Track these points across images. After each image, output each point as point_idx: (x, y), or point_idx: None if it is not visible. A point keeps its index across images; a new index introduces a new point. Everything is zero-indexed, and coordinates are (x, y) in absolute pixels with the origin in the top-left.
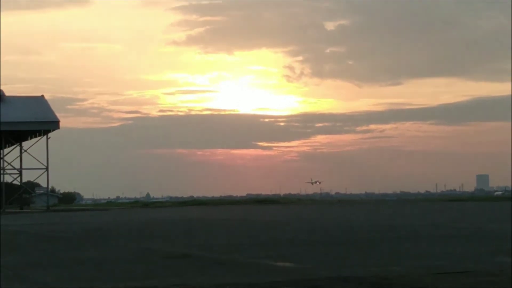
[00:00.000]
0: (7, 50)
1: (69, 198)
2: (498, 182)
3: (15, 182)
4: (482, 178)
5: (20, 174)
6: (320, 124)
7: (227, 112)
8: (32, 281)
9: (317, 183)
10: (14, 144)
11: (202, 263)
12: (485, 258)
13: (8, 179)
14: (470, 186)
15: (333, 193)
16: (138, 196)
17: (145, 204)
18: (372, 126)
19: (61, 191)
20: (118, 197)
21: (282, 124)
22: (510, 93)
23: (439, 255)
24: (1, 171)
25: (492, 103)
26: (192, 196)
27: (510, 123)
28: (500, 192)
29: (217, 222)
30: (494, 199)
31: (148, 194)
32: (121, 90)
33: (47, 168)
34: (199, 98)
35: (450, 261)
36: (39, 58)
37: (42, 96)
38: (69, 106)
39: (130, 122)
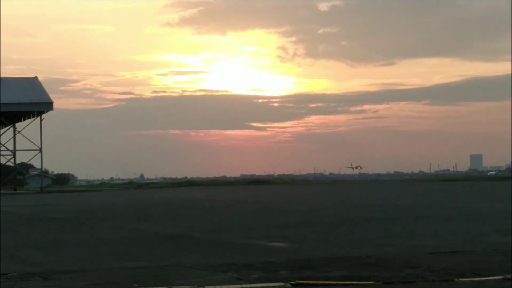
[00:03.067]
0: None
1: (63, 179)
2: (491, 162)
3: (9, 163)
4: (476, 158)
5: (14, 156)
6: (313, 105)
7: (220, 93)
8: (26, 262)
9: (358, 168)
10: (7, 126)
11: (196, 243)
12: (479, 238)
13: (2, 160)
14: (463, 166)
15: (327, 173)
16: (132, 177)
17: (139, 185)
18: (366, 107)
19: (55, 172)
20: (112, 178)
21: (275, 104)
22: (506, 72)
23: (433, 235)
24: None
25: (486, 83)
26: (186, 177)
27: (511, 102)
28: (493, 172)
29: (211, 203)
30: (488, 179)
31: (142, 175)
32: (114, 71)
33: (40, 150)
34: (192, 79)
35: (444, 240)
36: (32, 40)
37: (36, 77)
38: (62, 88)
39: (123, 103)
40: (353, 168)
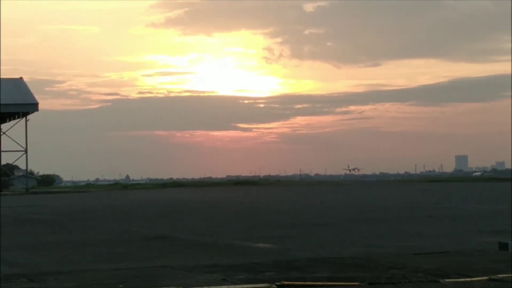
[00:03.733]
0: None
1: (48, 181)
2: (477, 163)
3: None
4: (461, 159)
5: None
6: (299, 106)
7: (206, 94)
8: (11, 263)
9: (356, 170)
10: None
11: (181, 244)
12: (464, 238)
13: None
14: (449, 166)
15: (312, 174)
16: (117, 178)
17: (125, 186)
18: (351, 107)
19: (40, 174)
20: (97, 179)
21: (261, 105)
22: (491, 73)
23: (418, 236)
24: None
25: (471, 84)
26: (172, 178)
27: (511, 102)
28: (479, 173)
29: (196, 204)
30: (473, 179)
31: (127, 176)
32: (99, 72)
33: (26, 151)
34: (178, 80)
35: (429, 241)
36: (17, 40)
37: (21, 78)
38: (47, 88)
39: (109, 104)
40: (350, 170)
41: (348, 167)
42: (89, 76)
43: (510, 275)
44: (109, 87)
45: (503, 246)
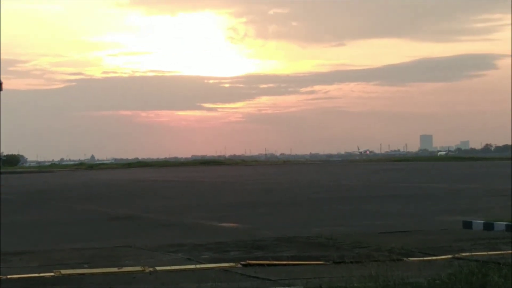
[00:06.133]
0: None
1: (13, 161)
2: (441, 142)
3: None
4: (426, 138)
5: None
6: (264, 86)
7: (171, 74)
8: None
9: (367, 152)
10: None
11: (147, 224)
12: (429, 217)
13: None
14: (414, 146)
15: (278, 154)
16: (82, 158)
17: (90, 166)
18: (316, 87)
19: (4, 154)
20: (62, 159)
21: (226, 85)
22: (456, 53)
23: (383, 215)
24: None
25: (435, 64)
26: (137, 158)
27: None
28: (443, 152)
29: (162, 183)
30: (438, 159)
31: (92, 156)
32: (64, 52)
33: None
34: (143, 60)
35: (394, 220)
36: None
37: None
38: (11, 68)
39: (73, 84)
40: (361, 153)
41: (358, 149)
42: (53, 56)
43: (474, 253)
44: (74, 67)
45: (467, 225)
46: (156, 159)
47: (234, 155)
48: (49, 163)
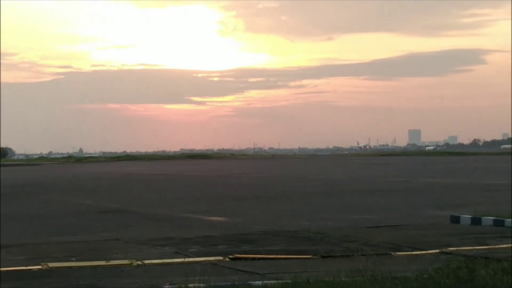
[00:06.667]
0: None
1: (1, 154)
2: (429, 137)
3: None
4: (414, 133)
5: None
6: (253, 79)
7: (160, 67)
8: None
9: (367, 147)
10: None
11: (135, 217)
12: (417, 212)
13: None
14: (402, 141)
15: (266, 148)
16: (70, 151)
17: (78, 159)
18: (306, 81)
19: None
20: (50, 152)
21: (215, 79)
22: (444, 48)
23: (371, 209)
24: None
25: (424, 58)
26: (126, 152)
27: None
28: (431, 147)
29: (150, 177)
30: (426, 153)
31: (81, 149)
32: (53, 45)
33: None
34: (131, 53)
35: (382, 214)
36: None
37: None
38: None
39: (62, 77)
40: (360, 147)
41: (358, 143)
42: (42, 49)
43: (461, 248)
44: (62, 60)
45: (455, 220)
46: (145, 152)
47: (223, 149)
48: (37, 156)
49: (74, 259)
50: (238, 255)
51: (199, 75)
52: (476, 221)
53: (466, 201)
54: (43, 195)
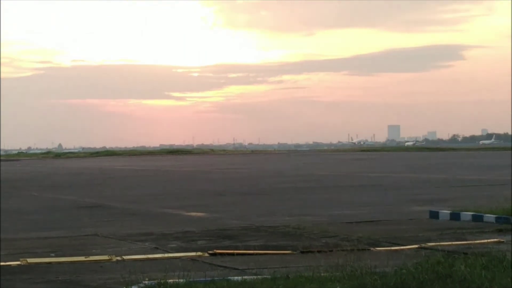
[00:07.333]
0: None
1: None
2: (409, 132)
3: None
4: (394, 129)
5: None
6: (233, 75)
7: (140, 63)
8: None
9: (361, 143)
10: None
11: (114, 213)
12: (396, 207)
13: None
14: (381, 136)
15: (246, 143)
16: (50, 147)
17: (57, 155)
18: (285, 77)
19: None
20: (29, 148)
21: (195, 74)
22: (424, 44)
23: (351, 204)
24: None
25: (404, 54)
26: (105, 147)
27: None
28: (411, 143)
29: (129, 173)
30: (405, 149)
31: (60, 145)
32: (32, 40)
33: None
34: (112, 49)
35: (361, 210)
36: None
37: None
38: None
39: (41, 72)
40: (354, 143)
41: (352, 139)
42: (22, 44)
43: (440, 243)
44: (42, 55)
45: (434, 215)
46: (124, 148)
47: (202, 145)
48: (16, 152)
49: (53, 254)
50: (217, 251)
51: (179, 70)
52: (455, 216)
53: (445, 196)
54: (22, 191)
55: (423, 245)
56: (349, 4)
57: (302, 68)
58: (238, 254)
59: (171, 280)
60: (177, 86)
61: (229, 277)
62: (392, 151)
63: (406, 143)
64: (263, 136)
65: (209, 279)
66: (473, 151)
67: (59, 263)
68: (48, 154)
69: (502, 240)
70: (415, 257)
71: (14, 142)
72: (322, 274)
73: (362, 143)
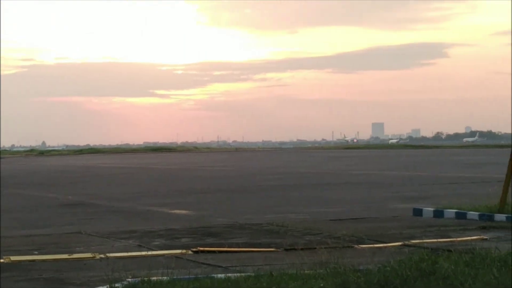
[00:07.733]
0: None
1: None
2: (393, 130)
3: None
4: (378, 126)
5: None
6: (217, 73)
7: (123, 60)
8: None
9: (354, 140)
10: None
11: (98, 211)
12: (380, 205)
13: None
14: (365, 134)
15: (230, 141)
16: (33, 144)
17: (41, 152)
18: (269, 75)
19: None
20: (13, 146)
21: (179, 72)
22: (408, 42)
23: (335, 202)
24: None
25: (388, 52)
26: (89, 145)
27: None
28: (395, 140)
29: (113, 170)
30: (389, 147)
31: (43, 143)
32: (15, 38)
33: None
34: (95, 46)
35: (345, 207)
36: None
37: None
38: None
39: (25, 69)
40: (347, 141)
41: (345, 137)
42: (5, 41)
43: (424, 240)
44: (26, 53)
45: (417, 212)
46: (108, 145)
47: (187, 142)
48: None
49: (36, 252)
50: (201, 248)
51: (163, 68)
52: (438, 213)
53: (429, 194)
54: (4, 189)
55: (406, 242)
56: (332, 2)
57: (286, 65)
58: (222, 251)
59: (154, 278)
60: (161, 83)
61: (213, 275)
62: (376, 148)
63: (390, 141)
64: (247, 134)
65: (192, 276)
66: (456, 148)
67: (43, 261)
68: (32, 152)
69: (485, 237)
70: (399, 254)
71: None
72: (305, 272)
73: (355, 140)
